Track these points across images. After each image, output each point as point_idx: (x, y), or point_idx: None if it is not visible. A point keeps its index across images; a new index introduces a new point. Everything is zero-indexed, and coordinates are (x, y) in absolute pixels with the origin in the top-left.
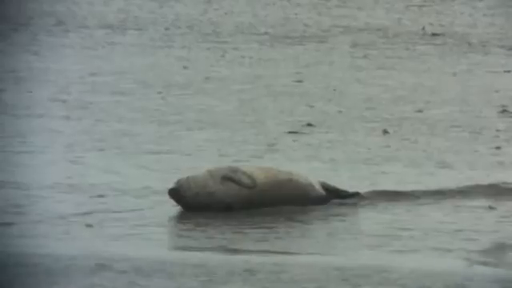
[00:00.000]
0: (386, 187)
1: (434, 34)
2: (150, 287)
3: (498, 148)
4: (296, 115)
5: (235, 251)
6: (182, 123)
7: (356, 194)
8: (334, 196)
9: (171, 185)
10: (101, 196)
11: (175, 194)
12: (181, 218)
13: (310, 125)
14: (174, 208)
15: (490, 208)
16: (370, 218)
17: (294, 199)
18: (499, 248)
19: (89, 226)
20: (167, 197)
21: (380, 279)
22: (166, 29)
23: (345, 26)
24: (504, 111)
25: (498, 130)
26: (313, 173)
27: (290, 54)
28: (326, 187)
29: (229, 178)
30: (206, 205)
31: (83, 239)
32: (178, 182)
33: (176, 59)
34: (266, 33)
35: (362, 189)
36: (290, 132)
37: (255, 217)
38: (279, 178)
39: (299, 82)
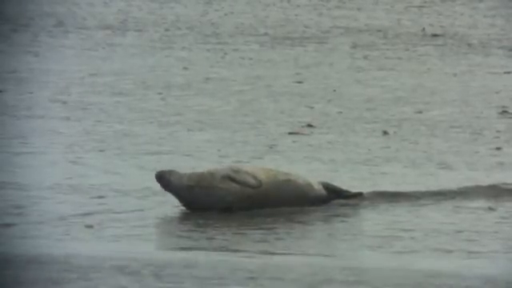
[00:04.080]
0: (386, 188)
1: (434, 35)
2: None
3: (498, 149)
4: (296, 116)
5: (235, 252)
6: (182, 124)
7: (359, 194)
8: (336, 196)
9: None
10: (101, 197)
11: (161, 177)
12: (181, 219)
13: (310, 125)
14: (174, 209)
15: (490, 209)
16: (370, 219)
17: (292, 200)
18: None
19: (89, 226)
20: (167, 197)
21: (381, 280)
22: (166, 30)
23: (345, 26)
24: (504, 112)
25: (498, 131)
26: (313, 174)
27: (290, 55)
28: (327, 187)
29: (232, 178)
30: (205, 202)
31: (83, 240)
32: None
33: (176, 60)
34: (266, 34)
35: (363, 189)
36: (290, 133)
37: (255, 218)
38: (278, 179)
39: (299, 82)
